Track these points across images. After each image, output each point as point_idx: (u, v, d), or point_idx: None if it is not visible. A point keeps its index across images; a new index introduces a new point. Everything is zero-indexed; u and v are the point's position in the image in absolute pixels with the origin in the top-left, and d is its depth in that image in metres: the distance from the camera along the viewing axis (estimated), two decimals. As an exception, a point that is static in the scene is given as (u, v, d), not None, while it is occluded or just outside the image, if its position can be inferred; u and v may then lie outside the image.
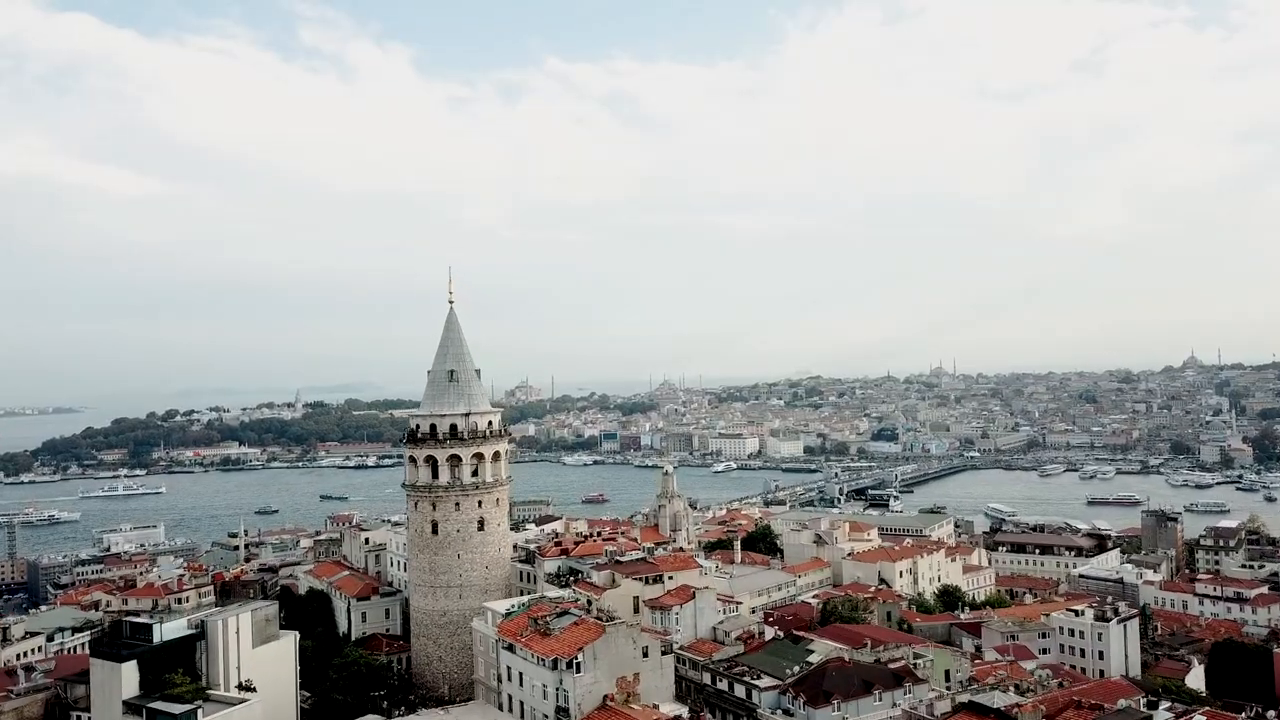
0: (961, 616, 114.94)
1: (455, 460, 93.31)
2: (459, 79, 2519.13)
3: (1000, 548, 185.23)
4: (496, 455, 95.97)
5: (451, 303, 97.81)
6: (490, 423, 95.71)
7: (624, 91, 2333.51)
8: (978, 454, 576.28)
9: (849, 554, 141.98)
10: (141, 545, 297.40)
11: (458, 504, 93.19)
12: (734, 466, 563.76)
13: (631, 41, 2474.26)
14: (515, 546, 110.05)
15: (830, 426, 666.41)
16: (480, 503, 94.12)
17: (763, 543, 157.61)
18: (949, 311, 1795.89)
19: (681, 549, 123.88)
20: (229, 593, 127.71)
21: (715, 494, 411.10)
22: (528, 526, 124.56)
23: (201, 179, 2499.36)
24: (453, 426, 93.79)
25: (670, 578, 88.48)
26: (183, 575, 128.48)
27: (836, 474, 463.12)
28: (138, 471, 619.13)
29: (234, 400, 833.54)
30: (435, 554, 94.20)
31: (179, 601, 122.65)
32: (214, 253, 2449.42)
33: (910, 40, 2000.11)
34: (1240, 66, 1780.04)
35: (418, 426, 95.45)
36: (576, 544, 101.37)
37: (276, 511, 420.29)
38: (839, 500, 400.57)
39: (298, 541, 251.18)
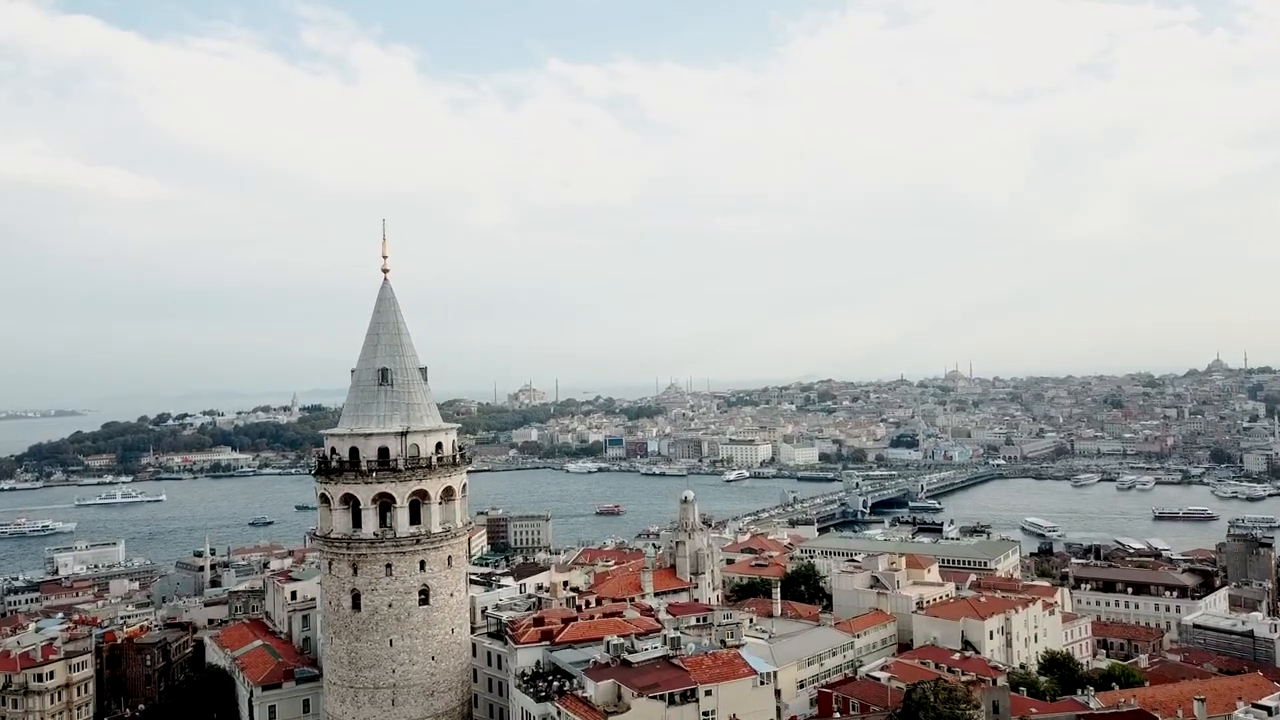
0: (1091, 705, 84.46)
1: (385, 501, 63.56)
2: (461, 81, 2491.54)
3: (1083, 585, 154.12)
4: (449, 493, 65.99)
5: (386, 272, 68.08)
6: (439, 445, 65.67)
7: (626, 94, 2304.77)
8: (1003, 461, 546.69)
9: (920, 605, 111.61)
10: (96, 566, 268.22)
11: (389, 566, 63.28)
12: (746, 475, 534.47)
13: (633, 44, 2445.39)
14: (484, 612, 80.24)
15: (846, 432, 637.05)
16: (423, 563, 64.24)
17: (805, 585, 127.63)
18: (955, 314, 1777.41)
19: (709, 609, 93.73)
20: (119, 661, 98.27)
21: (728, 505, 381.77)
22: (503, 583, 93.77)
23: (204, 181, 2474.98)
24: (382, 451, 63.90)
25: (708, 692, 57.88)
26: (55, 639, 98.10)
27: (857, 484, 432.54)
28: (123, 478, 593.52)
29: (238, 403, 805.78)
30: (357, 639, 63.96)
31: (39, 679, 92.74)
32: (217, 254, 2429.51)
33: (914, 43, 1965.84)
34: (1247, 68, 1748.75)
35: (332, 451, 65.54)
36: (565, 622, 70.51)
37: (271, 523, 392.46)
38: (863, 513, 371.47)
39: (266, 563, 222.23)
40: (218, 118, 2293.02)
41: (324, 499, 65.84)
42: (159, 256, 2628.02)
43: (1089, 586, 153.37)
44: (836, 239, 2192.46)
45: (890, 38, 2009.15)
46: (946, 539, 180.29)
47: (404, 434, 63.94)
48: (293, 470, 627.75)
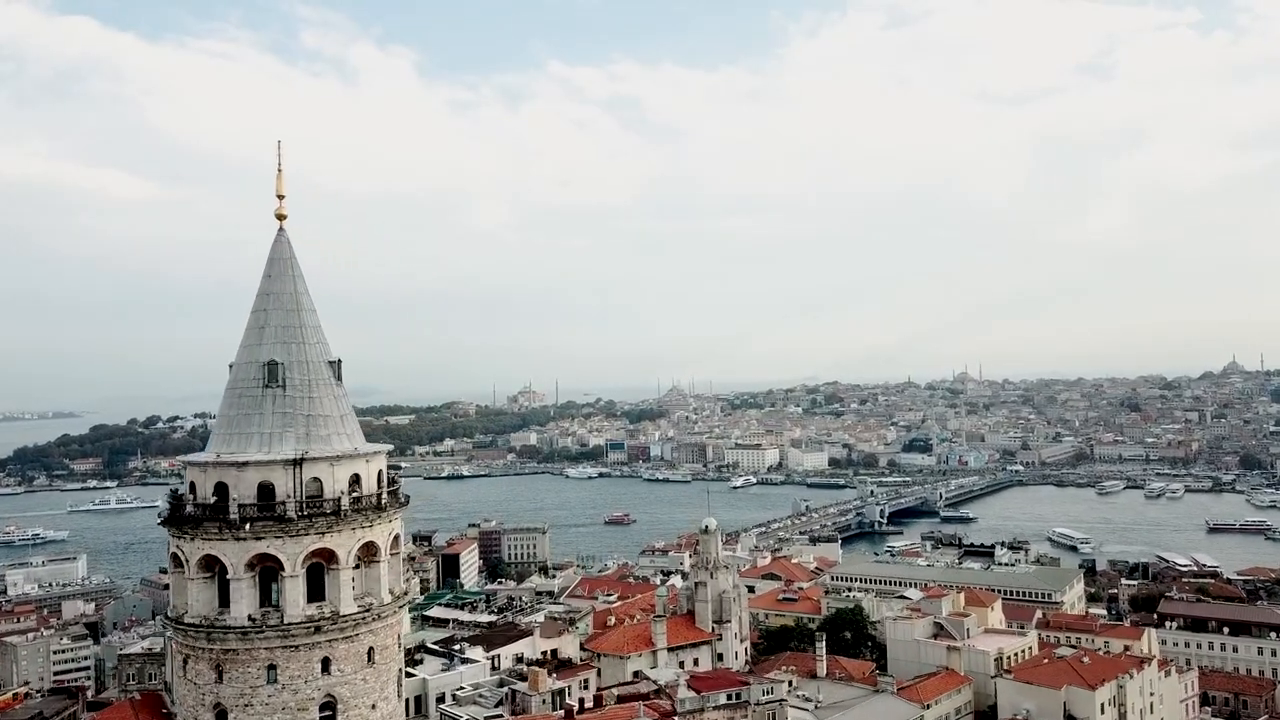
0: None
1: (269, 567, 40.77)
2: (461, 82, 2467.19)
3: (1168, 622, 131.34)
4: (370, 551, 42.98)
5: (282, 220, 45.77)
6: (356, 479, 42.73)
7: (626, 95, 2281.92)
8: (1021, 467, 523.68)
9: (1000, 663, 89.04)
10: (50, 585, 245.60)
11: (273, 668, 40.61)
12: (753, 481, 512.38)
13: (633, 45, 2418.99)
14: (439, 701, 57.72)
15: (855, 436, 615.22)
16: (327, 662, 41.29)
17: (850, 630, 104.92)
18: (957, 315, 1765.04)
19: (743, 682, 71.15)
20: (-23, 743, 75.89)
21: (737, 514, 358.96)
22: (469, 655, 70.27)
23: (203, 181, 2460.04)
24: (265, 490, 40.79)
25: None
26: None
27: (872, 491, 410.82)
28: (109, 483, 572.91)
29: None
30: (224, 779, 41.66)
31: None
32: (218, 254, 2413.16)
33: (914, 44, 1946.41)
34: (1248, 69, 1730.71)
35: (190, 488, 42.91)
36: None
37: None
38: (880, 523, 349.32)
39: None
40: (217, 118, 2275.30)
41: (175, 561, 43.32)
42: (158, 257, 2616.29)
43: (1174, 625, 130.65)
44: (836, 240, 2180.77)
45: (890, 38, 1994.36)
46: (999, 564, 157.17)
47: (298, 462, 41.31)
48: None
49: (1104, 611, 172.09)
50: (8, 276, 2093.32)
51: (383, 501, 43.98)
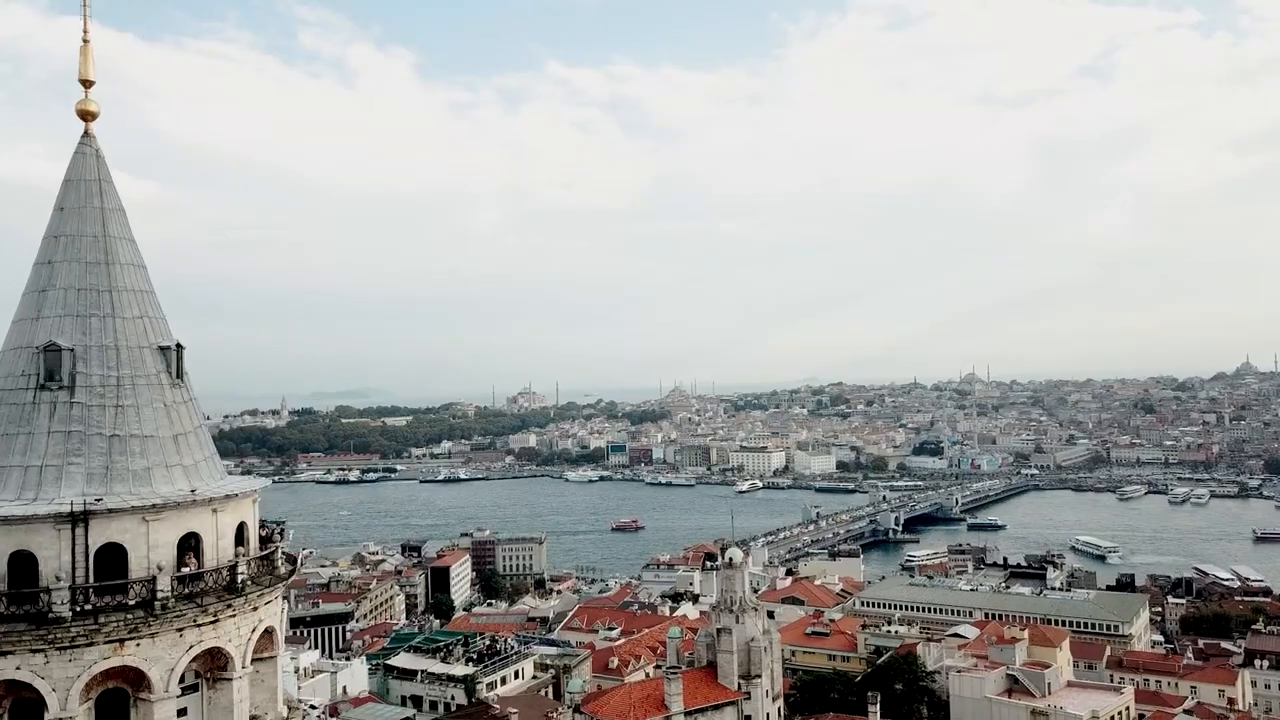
0: None
1: (24, 699, 23.87)
2: (461, 83, 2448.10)
3: (1257, 660, 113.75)
4: (218, 663, 26.19)
5: (88, 120, 28.24)
6: (193, 544, 25.89)
7: (626, 96, 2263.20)
8: (1036, 471, 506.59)
9: (1098, 733, 71.50)
10: None
11: None
12: (759, 485, 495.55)
13: (633, 46, 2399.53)
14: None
15: (863, 439, 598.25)
16: None
17: (903, 680, 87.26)
18: (959, 317, 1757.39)
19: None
20: None
21: (743, 521, 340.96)
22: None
23: (202, 182, 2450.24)
24: (20, 566, 24.11)
25: None
26: None
27: (884, 496, 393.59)
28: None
29: (234, 405, 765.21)
30: None
31: None
32: (216, 256, 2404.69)
33: (914, 45, 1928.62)
34: (1250, 71, 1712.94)
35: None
36: None
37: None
38: (895, 530, 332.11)
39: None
40: (216, 119, 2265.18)
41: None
42: (158, 256, 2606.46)
43: (1265, 664, 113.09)
44: (836, 241, 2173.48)
45: (890, 40, 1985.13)
46: (1053, 589, 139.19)
47: (81, 517, 24.16)
48: (277, 477, 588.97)
49: (1159, 636, 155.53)
50: (7, 276, 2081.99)
51: (239, 579, 26.37)
